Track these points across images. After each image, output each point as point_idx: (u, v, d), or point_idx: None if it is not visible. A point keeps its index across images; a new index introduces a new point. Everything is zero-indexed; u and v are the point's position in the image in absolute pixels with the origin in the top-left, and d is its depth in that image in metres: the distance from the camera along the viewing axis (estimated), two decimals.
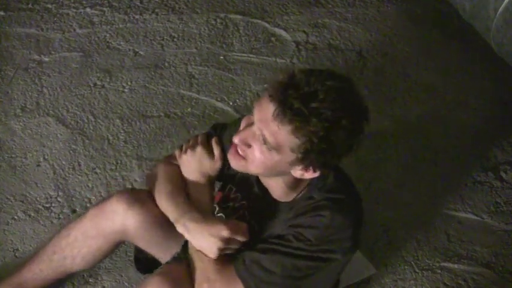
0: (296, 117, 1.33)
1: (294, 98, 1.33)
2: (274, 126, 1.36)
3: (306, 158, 1.40)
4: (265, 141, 1.39)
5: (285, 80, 1.37)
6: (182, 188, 1.65)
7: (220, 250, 1.51)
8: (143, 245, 1.78)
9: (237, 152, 1.47)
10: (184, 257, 1.72)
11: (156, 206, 1.68)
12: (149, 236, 1.73)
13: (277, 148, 1.39)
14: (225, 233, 1.50)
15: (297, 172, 1.45)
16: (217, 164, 1.68)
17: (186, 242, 1.69)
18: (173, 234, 1.67)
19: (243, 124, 1.48)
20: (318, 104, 1.33)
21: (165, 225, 1.68)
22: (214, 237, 1.50)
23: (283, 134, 1.36)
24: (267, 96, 1.38)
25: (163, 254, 1.78)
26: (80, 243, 1.75)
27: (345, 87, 1.38)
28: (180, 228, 1.55)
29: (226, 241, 1.50)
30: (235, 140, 1.45)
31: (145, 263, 1.85)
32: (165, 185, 1.65)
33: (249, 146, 1.44)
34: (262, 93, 1.40)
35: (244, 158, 1.46)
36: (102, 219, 1.71)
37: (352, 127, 1.37)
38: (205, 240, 1.51)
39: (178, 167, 1.70)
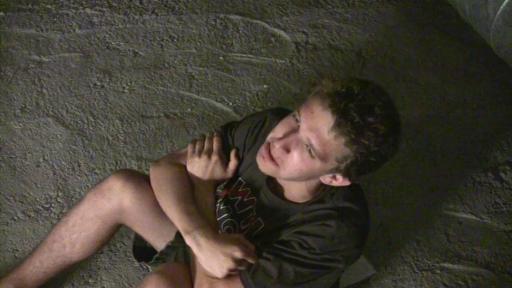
0: (353, 130, 1.35)
1: (354, 111, 1.35)
2: (329, 136, 1.37)
3: (348, 169, 1.42)
4: (311, 150, 1.40)
5: (343, 91, 1.37)
6: (191, 193, 1.64)
7: (230, 270, 1.49)
8: (138, 227, 1.78)
9: (270, 155, 1.46)
10: (178, 245, 1.74)
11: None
12: (144, 217, 1.73)
13: (323, 157, 1.40)
14: (238, 254, 1.49)
15: (327, 179, 1.47)
16: (229, 176, 1.69)
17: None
18: (167, 218, 1.67)
19: (283, 128, 1.45)
20: (374, 118, 1.35)
21: (160, 207, 1.68)
22: (226, 256, 1.48)
23: (335, 144, 1.38)
24: (322, 105, 1.38)
25: (158, 240, 1.78)
26: (79, 227, 1.76)
27: (393, 104, 1.41)
28: (189, 242, 1.53)
29: (238, 262, 1.50)
30: (277, 145, 1.44)
31: (143, 252, 1.85)
32: (174, 188, 1.63)
33: (288, 151, 1.43)
34: (310, 99, 1.42)
35: (277, 163, 1.46)
36: (99, 198, 1.72)
37: (395, 144, 1.41)
38: (216, 258, 1.49)
39: (184, 167, 1.69)
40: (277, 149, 1.44)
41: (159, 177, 1.68)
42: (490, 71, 2.80)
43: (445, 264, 2.14)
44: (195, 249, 1.51)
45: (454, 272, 2.12)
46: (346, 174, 1.44)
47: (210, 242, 1.50)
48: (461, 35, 2.94)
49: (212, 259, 1.49)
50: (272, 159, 1.46)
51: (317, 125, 1.38)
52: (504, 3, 2.33)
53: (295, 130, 1.42)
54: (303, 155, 1.41)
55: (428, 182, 2.38)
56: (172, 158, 1.73)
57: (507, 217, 2.29)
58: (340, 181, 1.46)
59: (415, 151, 2.47)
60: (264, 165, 1.48)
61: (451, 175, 2.41)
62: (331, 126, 1.36)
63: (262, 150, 1.48)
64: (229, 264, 1.48)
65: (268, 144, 1.47)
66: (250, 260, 1.51)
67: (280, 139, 1.44)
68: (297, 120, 1.43)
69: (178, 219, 1.57)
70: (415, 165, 2.43)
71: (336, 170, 1.43)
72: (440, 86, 2.74)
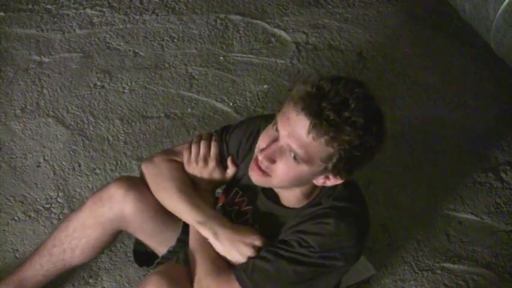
0: (331, 128, 1.35)
1: (328, 110, 1.34)
2: (308, 139, 1.37)
3: (336, 167, 1.41)
4: (294, 156, 1.40)
5: (313, 91, 1.37)
6: (192, 186, 1.65)
7: (249, 258, 1.53)
8: (140, 234, 1.77)
9: (259, 168, 1.47)
10: (179, 250, 1.74)
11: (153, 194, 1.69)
12: (145, 224, 1.72)
13: (307, 160, 1.40)
14: (258, 242, 1.53)
15: (320, 180, 1.47)
16: (227, 180, 1.70)
17: (181, 235, 1.72)
18: (169, 224, 1.70)
19: (264, 140, 1.46)
20: (350, 113, 1.35)
21: (161, 214, 1.69)
22: (247, 246, 1.53)
23: (316, 145, 1.37)
24: (296, 110, 1.38)
25: (159, 245, 1.78)
26: (79, 233, 1.75)
27: (368, 93, 1.40)
28: (206, 233, 1.56)
29: (258, 250, 1.53)
30: (260, 157, 1.45)
31: (144, 256, 1.85)
32: (175, 183, 1.65)
33: (274, 161, 1.44)
34: (285, 105, 1.43)
35: (267, 173, 1.46)
36: (100, 207, 1.71)
37: (380, 133, 1.40)
38: (236, 248, 1.53)
39: (181, 163, 1.70)
40: (262, 161, 1.45)
41: (157, 174, 1.68)
42: (490, 71, 2.80)
43: (446, 264, 2.14)
44: (211, 238, 1.55)
45: (454, 272, 2.12)
46: (336, 173, 1.43)
47: (227, 232, 1.54)
48: (462, 35, 2.94)
49: (232, 248, 1.53)
50: (262, 171, 1.46)
51: (294, 130, 1.38)
52: (505, 3, 2.33)
53: (276, 139, 1.43)
54: (289, 162, 1.42)
55: (428, 182, 2.38)
56: (167, 155, 1.73)
57: (507, 217, 2.29)
58: (332, 181, 1.46)
59: (415, 151, 2.47)
60: (256, 178, 1.49)
61: (451, 175, 2.41)
62: (308, 129, 1.36)
63: (252, 164, 1.49)
64: (250, 253, 1.52)
65: (257, 157, 1.48)
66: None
67: (262, 150, 1.44)
68: (276, 129, 1.43)
69: (188, 213, 1.59)
70: (415, 165, 2.43)
71: (326, 170, 1.42)
72: (440, 86, 2.74)
